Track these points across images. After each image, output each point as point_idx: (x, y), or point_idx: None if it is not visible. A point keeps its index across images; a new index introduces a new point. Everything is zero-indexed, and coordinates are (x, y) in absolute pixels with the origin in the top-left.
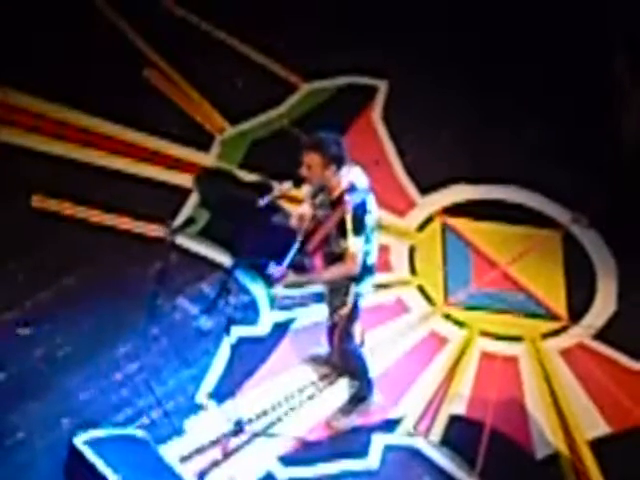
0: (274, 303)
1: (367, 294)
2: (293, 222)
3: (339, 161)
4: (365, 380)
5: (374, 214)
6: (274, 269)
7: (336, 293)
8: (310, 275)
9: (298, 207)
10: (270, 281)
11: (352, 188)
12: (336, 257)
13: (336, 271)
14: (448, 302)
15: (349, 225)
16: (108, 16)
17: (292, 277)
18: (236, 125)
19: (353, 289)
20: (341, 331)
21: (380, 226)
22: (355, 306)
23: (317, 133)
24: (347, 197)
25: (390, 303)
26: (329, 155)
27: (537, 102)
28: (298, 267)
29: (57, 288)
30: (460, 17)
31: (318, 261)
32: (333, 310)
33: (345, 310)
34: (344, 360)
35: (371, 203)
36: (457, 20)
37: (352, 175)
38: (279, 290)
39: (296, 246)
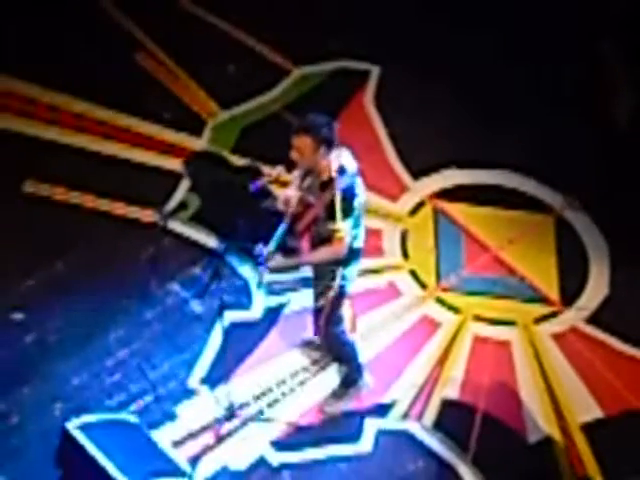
0: (262, 286)
1: (353, 278)
2: (279, 205)
3: (329, 143)
4: (354, 364)
5: (362, 197)
6: (260, 250)
7: (322, 277)
8: (297, 257)
9: (284, 190)
10: (257, 262)
11: (342, 171)
12: (323, 240)
13: (324, 253)
14: (440, 286)
15: (338, 207)
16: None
17: (279, 260)
18: (228, 110)
19: (339, 273)
20: (327, 315)
21: (372, 210)
22: (341, 290)
23: (308, 115)
24: (337, 180)
25: (382, 287)
26: (320, 137)
27: (528, 85)
28: (286, 250)
29: (49, 273)
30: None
31: (305, 244)
32: (319, 294)
33: (331, 294)
34: (330, 344)
35: (359, 186)
36: (449, 5)
37: (342, 158)
38: (267, 275)
39: (283, 228)
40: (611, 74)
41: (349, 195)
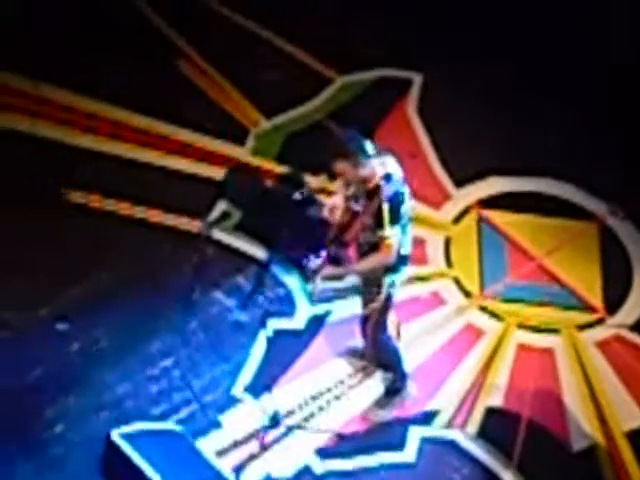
0: (312, 297)
1: (401, 285)
2: (325, 213)
3: (363, 151)
4: (399, 372)
5: (409, 204)
6: (311, 261)
7: (370, 284)
8: (346, 266)
9: (330, 199)
10: (307, 273)
11: (388, 178)
12: (371, 247)
13: (373, 261)
14: (484, 294)
15: (385, 215)
16: (141, 8)
17: (329, 269)
18: (271, 119)
19: (387, 280)
20: (374, 322)
21: (416, 218)
22: (389, 297)
23: (332, 135)
24: (384, 187)
25: (426, 296)
26: (351, 153)
27: (571, 94)
28: (333, 259)
29: (92, 282)
30: (496, 14)
31: (352, 252)
32: (367, 301)
33: (379, 301)
34: (377, 351)
35: (406, 193)
36: (493, 16)
37: (387, 165)
38: (317, 284)
39: (331, 237)
40: None
41: (396, 202)
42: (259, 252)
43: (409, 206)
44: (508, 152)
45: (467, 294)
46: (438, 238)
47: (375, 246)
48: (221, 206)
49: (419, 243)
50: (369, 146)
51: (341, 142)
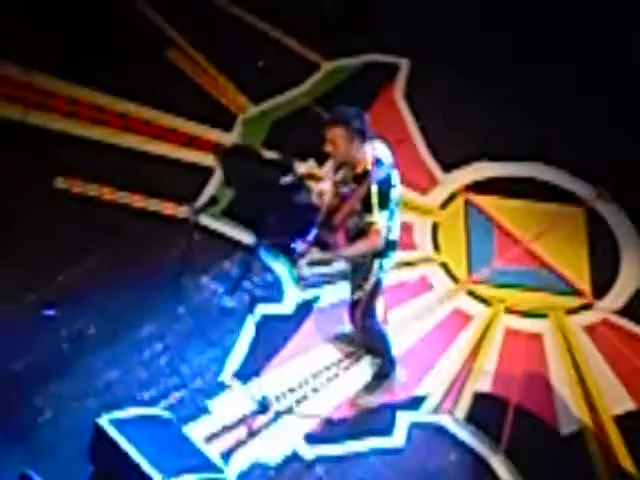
0: (299, 281)
1: (389, 270)
2: (314, 198)
3: (362, 134)
4: (387, 357)
5: (398, 189)
6: (298, 244)
7: (358, 269)
8: (334, 251)
9: (318, 183)
10: (294, 257)
11: (377, 162)
12: (360, 233)
13: (361, 246)
14: (472, 279)
15: (374, 199)
16: None
17: (317, 254)
18: (258, 104)
19: (376, 265)
20: (363, 308)
21: (403, 203)
22: (377, 282)
23: (338, 107)
24: (373, 171)
25: (414, 281)
26: (352, 128)
27: (559, 80)
28: (321, 244)
29: (81, 269)
30: None
31: (341, 238)
32: (355, 287)
33: (367, 286)
34: (366, 337)
35: (395, 178)
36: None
37: (377, 150)
38: (304, 269)
39: (319, 221)
40: None
41: (385, 187)
42: (247, 237)
43: (399, 191)
44: (495, 137)
45: (455, 279)
46: (426, 223)
47: (363, 231)
48: (208, 191)
49: (407, 228)
50: (368, 130)
51: (346, 114)
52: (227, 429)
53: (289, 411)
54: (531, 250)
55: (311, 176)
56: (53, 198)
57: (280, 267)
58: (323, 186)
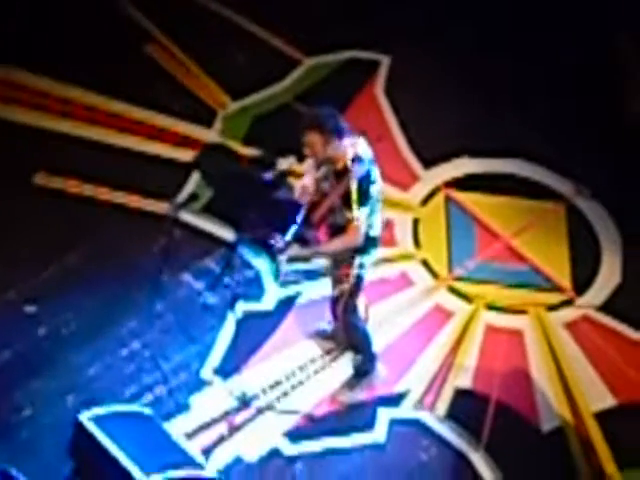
0: (278, 277)
1: (370, 266)
2: (296, 195)
3: (339, 132)
4: (368, 354)
5: (379, 185)
6: (278, 241)
7: (339, 265)
8: (314, 247)
9: (300, 180)
10: (273, 252)
11: (357, 159)
12: (340, 229)
13: (340, 243)
14: (452, 275)
15: (354, 196)
16: None
17: (296, 250)
18: (238, 100)
19: (357, 261)
20: (345, 304)
21: (384, 200)
22: (359, 278)
23: (311, 109)
24: (353, 168)
25: (394, 277)
26: (328, 129)
27: (539, 75)
28: (302, 240)
29: (61, 266)
30: None
31: (322, 234)
32: (337, 282)
33: (349, 283)
34: (347, 333)
35: (376, 174)
36: None
37: (357, 146)
38: (284, 265)
39: (300, 217)
40: (625, 62)
41: (365, 183)
42: (227, 234)
43: (379, 188)
44: (477, 133)
45: (435, 275)
46: (406, 219)
47: (343, 228)
48: (189, 188)
49: (387, 225)
50: (345, 126)
51: (319, 117)
52: (208, 425)
53: (270, 407)
54: (512, 246)
55: (292, 172)
56: (33, 194)
57: (261, 263)
58: (305, 182)
